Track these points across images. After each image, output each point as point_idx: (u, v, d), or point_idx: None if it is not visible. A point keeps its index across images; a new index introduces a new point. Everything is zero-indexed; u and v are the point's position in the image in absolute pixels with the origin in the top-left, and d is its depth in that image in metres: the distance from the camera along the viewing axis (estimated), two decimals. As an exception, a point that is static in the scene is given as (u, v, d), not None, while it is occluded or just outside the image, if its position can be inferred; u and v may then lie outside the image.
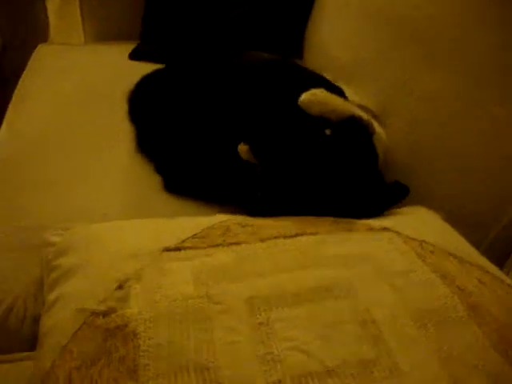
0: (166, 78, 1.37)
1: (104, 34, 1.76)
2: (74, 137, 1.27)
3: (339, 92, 1.15)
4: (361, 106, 1.30)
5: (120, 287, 0.66)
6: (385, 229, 0.81)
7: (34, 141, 1.26)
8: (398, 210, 1.01)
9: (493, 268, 0.84)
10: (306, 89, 0.97)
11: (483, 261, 0.87)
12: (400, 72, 1.27)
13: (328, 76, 1.41)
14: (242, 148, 0.99)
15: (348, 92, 1.36)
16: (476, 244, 0.92)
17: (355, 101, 1.31)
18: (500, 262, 0.96)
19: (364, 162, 0.98)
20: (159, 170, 1.18)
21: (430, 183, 1.10)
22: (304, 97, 0.94)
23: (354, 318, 0.60)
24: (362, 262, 0.70)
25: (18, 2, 1.87)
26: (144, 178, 1.17)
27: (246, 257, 0.70)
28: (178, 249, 0.73)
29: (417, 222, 0.92)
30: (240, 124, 1.06)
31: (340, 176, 0.94)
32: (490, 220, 1.04)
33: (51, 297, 0.72)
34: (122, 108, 1.33)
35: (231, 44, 1.63)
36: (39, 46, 1.65)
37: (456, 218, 0.99)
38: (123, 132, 1.28)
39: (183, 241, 0.74)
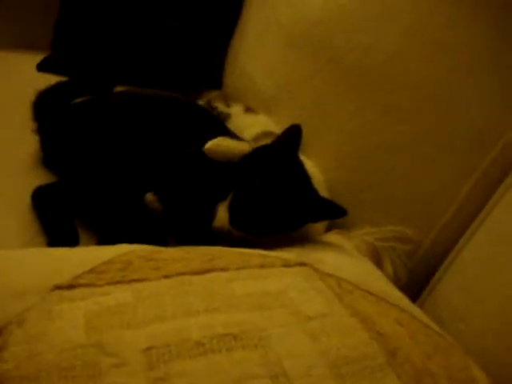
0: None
1: (14, 42, 1.65)
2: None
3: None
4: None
5: (-2, 334, 0.56)
6: (301, 264, 0.76)
7: None
8: (318, 239, 0.98)
9: (409, 305, 0.82)
10: (207, 136, 1.03)
11: (400, 297, 0.84)
12: (321, 100, 1.24)
13: (250, 104, 1.38)
14: (150, 198, 1.02)
15: (268, 122, 1.34)
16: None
17: (275, 131, 1.27)
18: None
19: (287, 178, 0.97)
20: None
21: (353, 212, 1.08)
22: (209, 146, 1.00)
23: (265, 371, 0.53)
24: (276, 303, 0.64)
25: None
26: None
27: (147, 297, 0.62)
28: (71, 286, 0.64)
29: (335, 256, 0.88)
30: (146, 173, 1.04)
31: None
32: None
33: None
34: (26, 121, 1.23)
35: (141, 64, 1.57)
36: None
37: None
38: (25, 146, 1.19)
39: (78, 276, 0.66)
